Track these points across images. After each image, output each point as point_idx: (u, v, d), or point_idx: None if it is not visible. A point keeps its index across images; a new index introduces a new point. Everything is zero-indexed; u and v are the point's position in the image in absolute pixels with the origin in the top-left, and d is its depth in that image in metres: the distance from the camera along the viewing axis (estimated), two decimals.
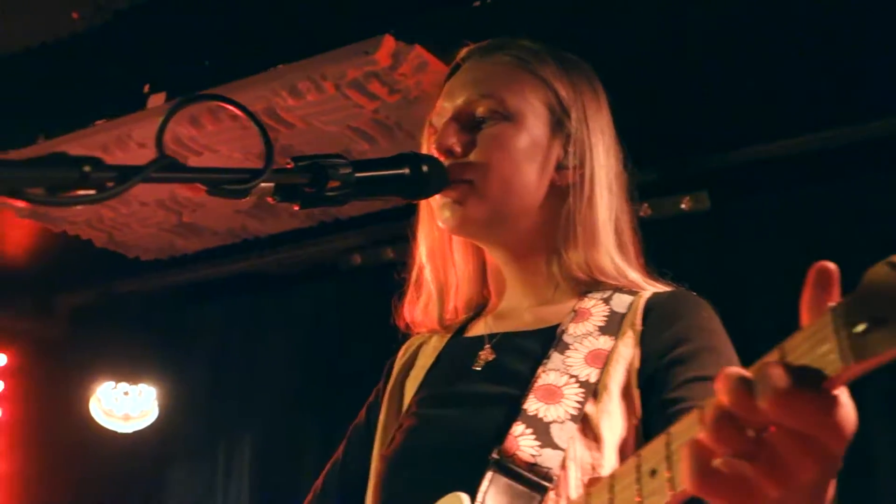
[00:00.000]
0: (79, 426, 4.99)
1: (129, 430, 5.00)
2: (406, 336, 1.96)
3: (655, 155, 3.53)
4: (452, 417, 1.66)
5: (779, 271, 3.63)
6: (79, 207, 3.47)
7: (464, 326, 1.88)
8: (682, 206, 3.76)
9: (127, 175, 1.01)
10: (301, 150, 3.73)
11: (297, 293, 4.84)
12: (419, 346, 1.91)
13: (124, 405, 4.99)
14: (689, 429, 1.00)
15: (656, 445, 1.04)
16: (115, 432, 5.00)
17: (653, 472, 1.03)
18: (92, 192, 0.99)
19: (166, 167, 1.09)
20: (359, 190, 1.53)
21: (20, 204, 0.94)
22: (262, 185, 1.36)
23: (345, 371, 4.59)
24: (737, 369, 0.96)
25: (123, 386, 4.96)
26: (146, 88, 3.72)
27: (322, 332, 4.75)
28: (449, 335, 1.87)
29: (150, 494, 5.13)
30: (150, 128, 3.69)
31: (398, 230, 4.29)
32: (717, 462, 0.97)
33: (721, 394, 0.96)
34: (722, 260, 3.74)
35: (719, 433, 0.95)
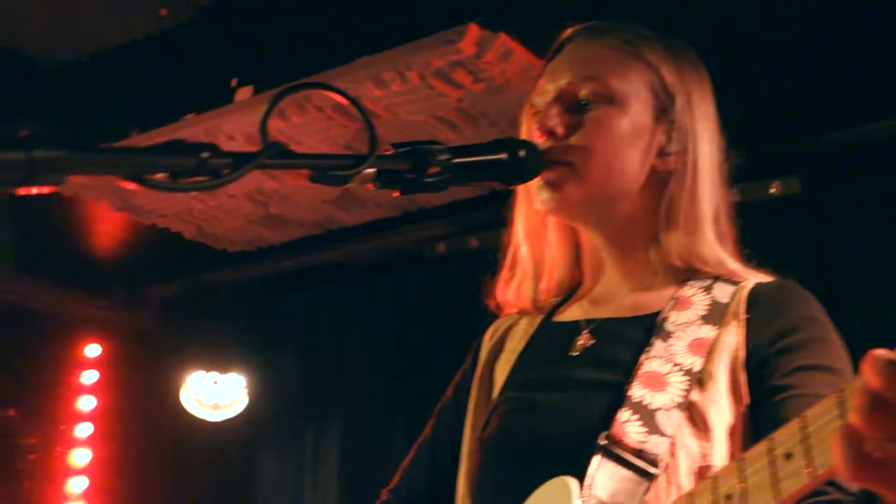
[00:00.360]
0: (170, 415, 5.10)
1: (219, 419, 5.08)
2: (493, 318, 1.96)
3: (745, 138, 3.47)
4: (554, 402, 1.66)
5: (871, 257, 3.58)
6: (169, 200, 3.54)
7: (554, 310, 1.87)
8: (772, 190, 3.70)
9: (241, 162, 1.03)
10: (386, 140, 3.75)
11: (381, 283, 4.88)
12: (507, 329, 1.90)
13: (214, 394, 5.07)
14: (826, 412, 0.99)
15: (790, 429, 1.04)
16: (206, 421, 5.08)
17: (788, 456, 1.02)
18: (208, 178, 1.01)
19: (277, 154, 1.11)
20: (457, 176, 1.52)
21: (134, 187, 0.96)
22: (365, 171, 1.38)
23: (430, 360, 4.62)
24: (885, 352, 0.95)
25: (213, 375, 5.05)
26: (234, 82, 3.78)
27: (407, 321, 4.78)
28: (539, 318, 1.86)
29: (241, 481, 5.22)
30: (239, 121, 3.75)
31: (483, 218, 4.33)
32: (868, 446, 0.96)
33: (871, 377, 0.95)
34: (812, 245, 3.68)
35: (873, 417, 0.95)
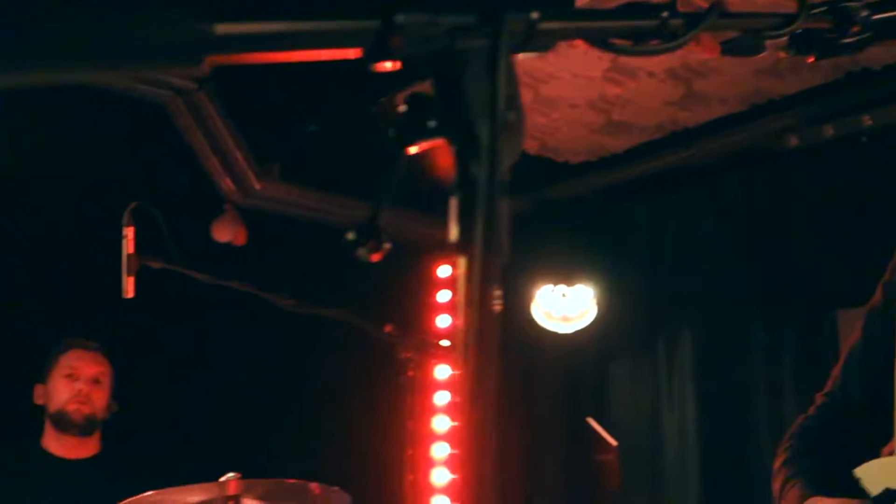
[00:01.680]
0: (521, 328, 5.21)
1: (570, 331, 5.15)
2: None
3: None
4: None
5: None
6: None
7: None
8: None
9: (694, 22, 0.99)
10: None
11: (729, 182, 4.72)
12: None
13: (563, 306, 5.14)
14: None
15: None
16: (557, 333, 5.16)
17: None
18: (662, 41, 0.98)
19: (721, 14, 1.06)
20: (878, 33, 1.42)
21: (590, 47, 0.94)
22: (781, 38, 1.30)
23: (785, 259, 4.44)
24: None
25: (561, 288, 5.11)
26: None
27: (758, 220, 4.61)
28: None
29: (594, 391, 5.28)
30: None
31: (836, 105, 4.06)
32: None
33: None
34: None
35: None
